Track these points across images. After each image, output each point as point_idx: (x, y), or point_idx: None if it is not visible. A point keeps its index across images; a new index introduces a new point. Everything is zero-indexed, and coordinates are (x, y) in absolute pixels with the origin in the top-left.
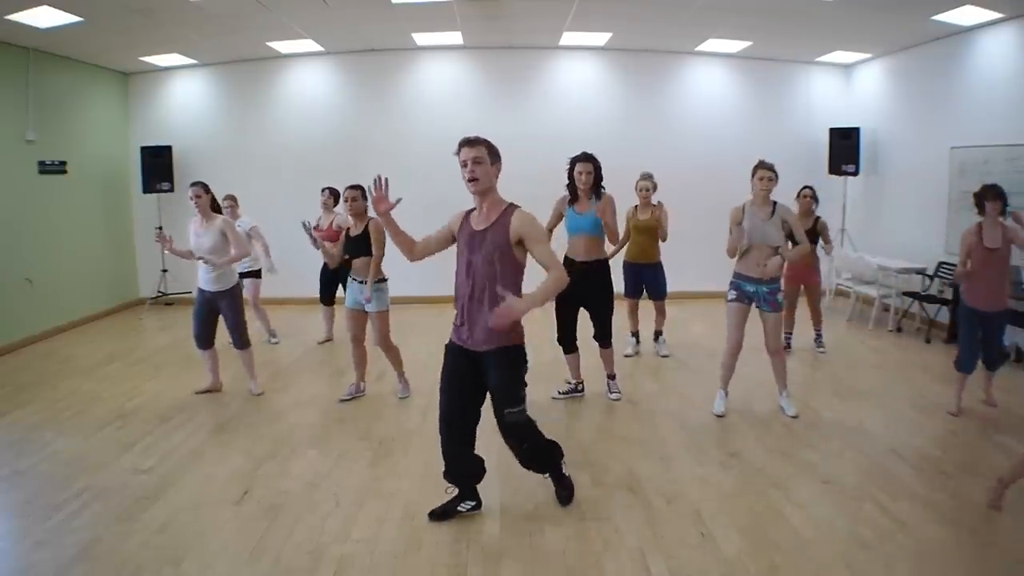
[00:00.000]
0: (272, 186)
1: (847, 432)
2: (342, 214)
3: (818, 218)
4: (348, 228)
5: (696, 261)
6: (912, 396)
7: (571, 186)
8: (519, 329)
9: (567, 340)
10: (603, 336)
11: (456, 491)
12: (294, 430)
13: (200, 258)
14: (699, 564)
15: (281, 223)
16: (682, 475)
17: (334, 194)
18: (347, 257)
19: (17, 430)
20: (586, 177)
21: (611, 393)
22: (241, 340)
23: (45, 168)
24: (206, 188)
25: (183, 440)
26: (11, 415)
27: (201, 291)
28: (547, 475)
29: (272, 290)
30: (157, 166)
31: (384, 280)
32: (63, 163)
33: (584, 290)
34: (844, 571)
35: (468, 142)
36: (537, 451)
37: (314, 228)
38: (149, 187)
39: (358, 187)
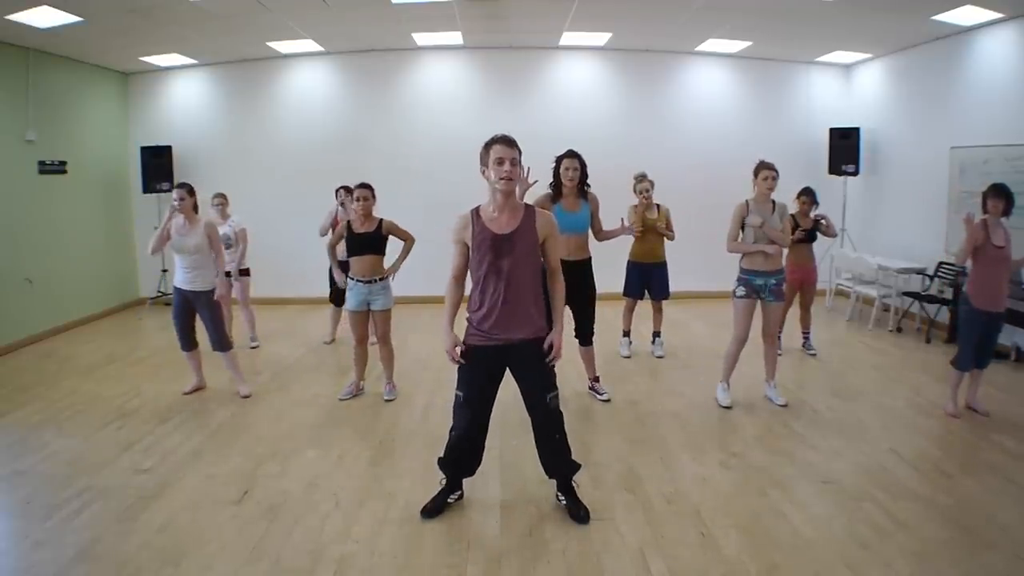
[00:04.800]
0: (272, 186)
1: (847, 432)
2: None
3: (816, 219)
4: (350, 224)
5: (696, 261)
6: (912, 396)
7: (556, 184)
8: (546, 325)
9: None
10: (587, 335)
11: (445, 482)
12: (294, 430)
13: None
14: (699, 564)
15: (281, 223)
16: (682, 475)
17: (350, 192)
18: (347, 257)
19: (17, 430)
20: (572, 173)
21: (600, 395)
22: (221, 342)
23: (45, 168)
24: (191, 191)
25: (183, 440)
26: (11, 415)
27: (178, 290)
28: (561, 496)
29: (272, 290)
30: (157, 166)
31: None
32: (63, 163)
33: (573, 289)
34: (844, 571)
35: (509, 141)
36: (566, 444)
37: (332, 225)
38: (149, 187)
39: (369, 186)
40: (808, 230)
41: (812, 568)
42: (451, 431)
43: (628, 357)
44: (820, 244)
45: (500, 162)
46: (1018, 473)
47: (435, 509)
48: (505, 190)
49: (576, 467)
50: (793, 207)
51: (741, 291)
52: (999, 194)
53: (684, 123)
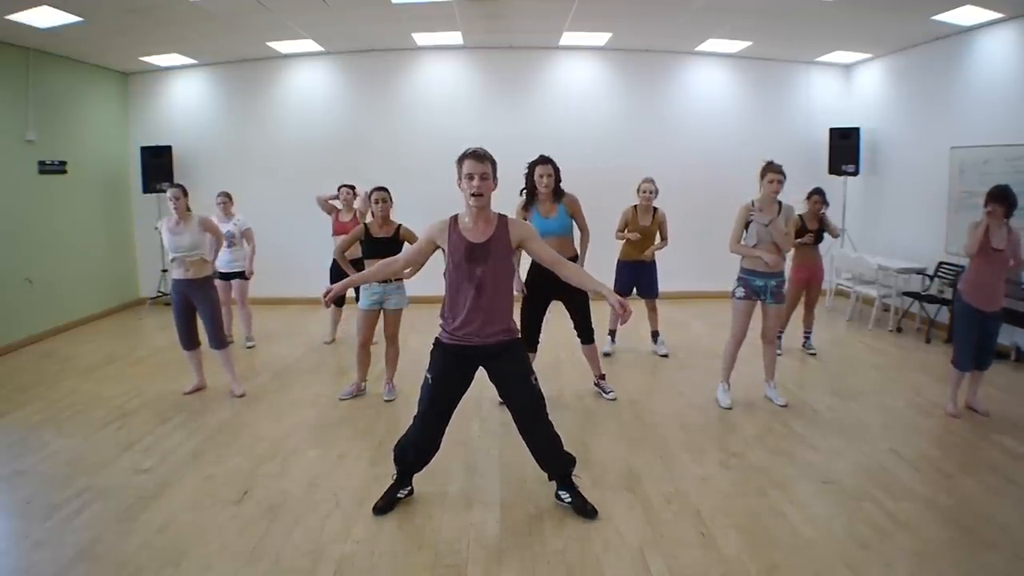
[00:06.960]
0: (272, 186)
1: (847, 432)
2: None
3: (823, 217)
4: (368, 228)
5: (695, 261)
6: (912, 396)
7: (530, 190)
8: (515, 326)
9: (532, 339)
10: (587, 332)
11: (395, 477)
12: (294, 430)
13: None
14: (699, 564)
15: (281, 223)
16: (682, 475)
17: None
18: (361, 257)
19: (17, 430)
20: (547, 180)
21: (606, 393)
22: (217, 337)
23: (45, 168)
24: (185, 191)
25: (183, 440)
26: (11, 415)
27: (176, 283)
28: (563, 494)
29: (272, 290)
30: (157, 166)
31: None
32: (63, 163)
33: (559, 289)
34: (844, 571)
35: (478, 156)
36: (555, 432)
37: (333, 223)
38: (149, 187)
39: (385, 189)
40: (816, 232)
41: (812, 568)
42: (414, 418)
43: (609, 354)
44: (822, 244)
45: (470, 177)
46: (1018, 473)
47: (386, 506)
48: (476, 205)
49: (572, 460)
50: (803, 207)
51: (741, 292)
52: (998, 198)
53: (684, 123)
